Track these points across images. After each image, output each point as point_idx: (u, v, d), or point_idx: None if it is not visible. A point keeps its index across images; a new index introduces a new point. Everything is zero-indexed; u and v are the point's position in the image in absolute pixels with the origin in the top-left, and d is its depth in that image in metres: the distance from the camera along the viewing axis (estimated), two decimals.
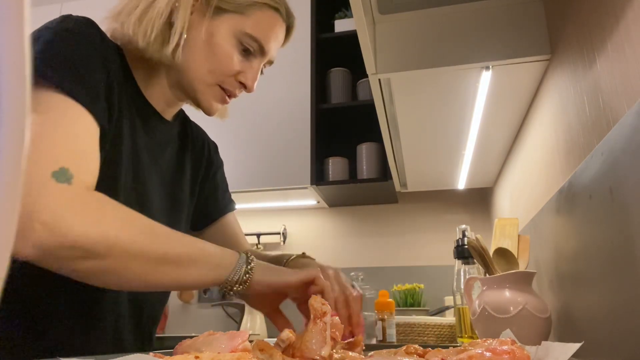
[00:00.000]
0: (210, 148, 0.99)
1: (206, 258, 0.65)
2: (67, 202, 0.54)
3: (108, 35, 0.74)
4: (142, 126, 0.78)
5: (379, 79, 1.14)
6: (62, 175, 0.55)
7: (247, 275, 0.66)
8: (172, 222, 0.84)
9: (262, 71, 0.85)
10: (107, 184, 0.67)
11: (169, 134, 0.86)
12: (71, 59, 0.63)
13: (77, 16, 0.68)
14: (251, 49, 0.78)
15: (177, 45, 0.73)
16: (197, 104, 0.81)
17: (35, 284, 0.66)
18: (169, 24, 0.73)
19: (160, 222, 0.82)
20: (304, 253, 0.83)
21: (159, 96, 0.81)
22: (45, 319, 0.68)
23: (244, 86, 0.80)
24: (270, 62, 0.86)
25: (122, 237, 0.57)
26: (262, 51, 0.80)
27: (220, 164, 1.02)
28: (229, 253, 0.68)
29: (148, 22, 0.72)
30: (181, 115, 0.92)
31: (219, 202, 0.98)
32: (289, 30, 0.86)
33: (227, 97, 0.80)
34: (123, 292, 0.76)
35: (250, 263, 0.67)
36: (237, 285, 0.65)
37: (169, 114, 0.85)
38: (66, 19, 0.67)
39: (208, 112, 0.81)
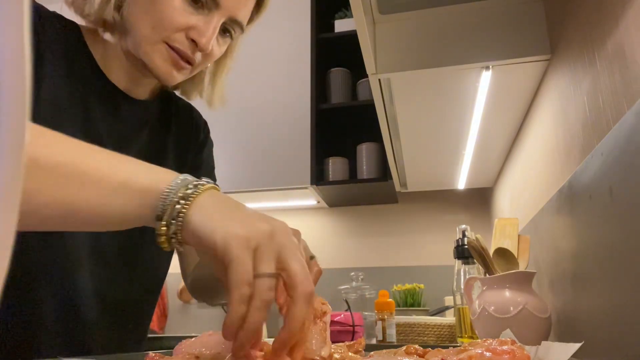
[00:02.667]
0: (201, 128, 0.89)
1: (117, 175, 0.43)
2: None
3: (65, 7, 0.67)
4: (103, 108, 0.71)
5: (379, 79, 1.14)
6: None
7: (181, 206, 0.41)
8: None
9: (231, 35, 0.72)
10: None
11: (142, 114, 0.77)
12: None
13: None
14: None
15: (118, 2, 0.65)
16: (150, 71, 0.68)
17: None
18: None
19: None
20: None
21: (120, 72, 0.72)
22: None
23: (196, 45, 0.67)
24: (239, 24, 0.71)
25: None
26: (215, 3, 0.66)
27: (209, 143, 0.91)
28: (162, 172, 0.45)
29: None
30: (164, 94, 0.83)
31: None
32: None
33: (179, 60, 0.67)
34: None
35: (195, 187, 0.42)
36: (163, 228, 0.42)
37: (139, 93, 0.76)
38: None
39: (163, 79, 0.68)
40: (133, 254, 0.76)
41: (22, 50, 0.14)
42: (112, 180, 0.43)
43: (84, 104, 0.68)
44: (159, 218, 0.42)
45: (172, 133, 0.82)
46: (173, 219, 0.41)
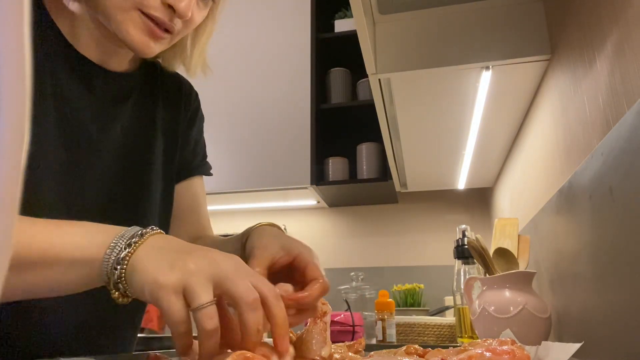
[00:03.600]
0: (191, 99, 0.83)
1: (62, 248, 0.45)
2: None
3: None
4: (76, 84, 0.66)
5: (379, 79, 1.14)
6: None
7: (119, 271, 0.44)
8: (134, 187, 0.72)
9: None
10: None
11: (122, 87, 0.72)
12: None
13: None
14: None
15: None
16: (124, 43, 0.61)
17: None
18: None
19: (114, 189, 0.68)
20: (271, 223, 0.63)
21: (91, 44, 0.66)
22: None
23: (173, 11, 0.60)
24: None
25: None
26: None
27: (200, 117, 0.85)
28: (101, 234, 0.47)
29: None
30: (147, 64, 0.77)
31: (185, 162, 0.81)
32: None
33: (156, 29, 0.60)
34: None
35: (128, 246, 0.45)
36: (115, 292, 0.45)
37: (116, 65, 0.70)
38: None
39: (139, 51, 0.61)
40: None
41: (22, 50, 0.14)
42: (60, 260, 0.45)
43: (54, 80, 0.62)
44: (107, 285, 0.45)
45: (159, 106, 0.77)
46: (117, 283, 0.44)
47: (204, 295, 0.41)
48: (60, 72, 0.63)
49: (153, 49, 0.62)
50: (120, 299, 0.45)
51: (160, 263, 0.43)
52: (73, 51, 0.65)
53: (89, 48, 0.67)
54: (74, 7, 0.64)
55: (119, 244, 0.45)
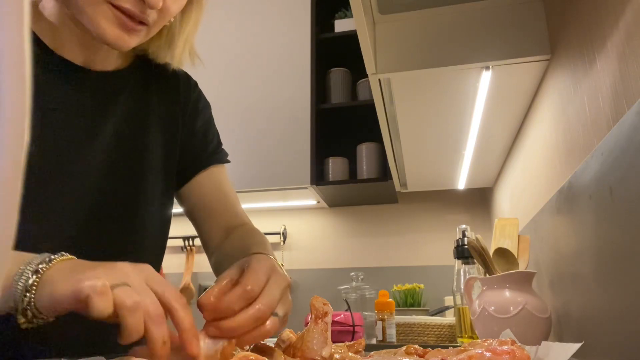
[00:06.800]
0: (190, 89, 0.81)
1: None
2: None
3: None
4: (62, 87, 0.65)
5: (379, 79, 1.14)
6: None
7: (28, 298, 0.43)
8: (129, 184, 0.71)
9: None
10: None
11: (112, 84, 0.71)
12: None
13: None
14: None
15: None
16: (98, 37, 0.59)
17: None
18: None
19: (107, 188, 0.67)
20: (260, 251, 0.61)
21: (74, 46, 0.66)
22: None
23: (143, 1, 0.58)
24: None
25: None
26: None
27: (203, 107, 0.83)
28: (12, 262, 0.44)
29: None
30: (140, 58, 0.75)
31: (197, 153, 0.80)
32: None
33: (128, 21, 0.58)
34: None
35: (36, 273, 0.43)
36: (21, 318, 0.43)
37: (101, 63, 0.70)
38: None
39: (114, 45, 0.59)
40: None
41: (22, 50, 0.14)
42: None
43: (37, 89, 0.63)
44: (13, 311, 0.43)
45: (154, 100, 0.76)
46: (26, 310, 0.43)
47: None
48: (41, 79, 0.62)
49: (128, 42, 0.60)
50: (25, 324, 0.44)
51: (71, 276, 0.42)
52: (55, 56, 0.65)
53: (73, 51, 0.66)
54: (49, 10, 0.64)
55: (26, 271, 0.43)
